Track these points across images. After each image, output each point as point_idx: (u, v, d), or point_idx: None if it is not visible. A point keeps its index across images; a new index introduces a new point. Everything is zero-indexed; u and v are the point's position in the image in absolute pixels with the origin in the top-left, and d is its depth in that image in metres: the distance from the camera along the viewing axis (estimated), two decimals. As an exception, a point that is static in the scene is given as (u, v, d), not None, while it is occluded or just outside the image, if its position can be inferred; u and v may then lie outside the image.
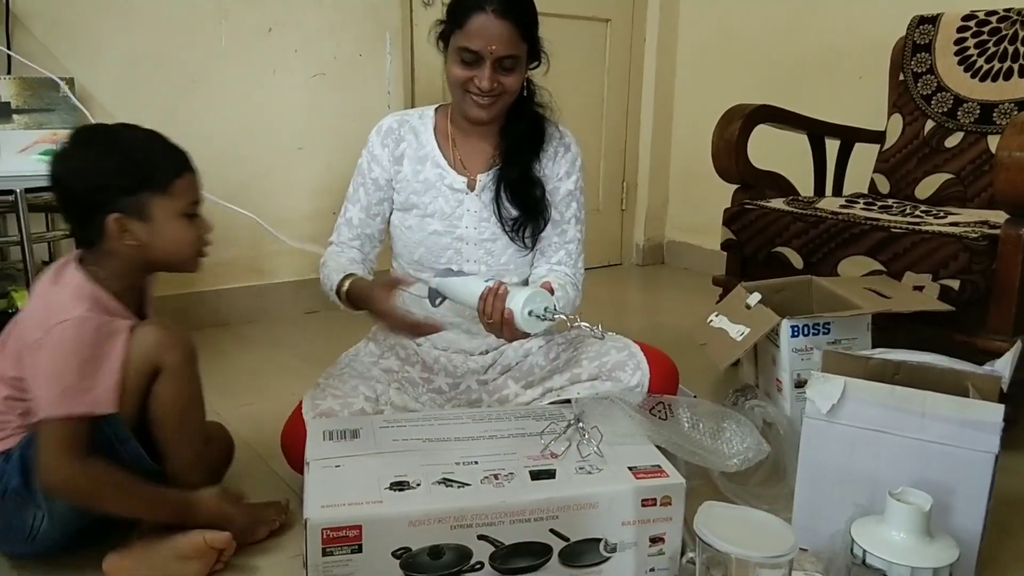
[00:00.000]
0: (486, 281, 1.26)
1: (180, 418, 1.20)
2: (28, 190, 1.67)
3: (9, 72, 1.97)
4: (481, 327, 1.29)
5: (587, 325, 1.21)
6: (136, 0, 2.17)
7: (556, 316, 1.22)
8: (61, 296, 1.13)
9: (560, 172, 1.53)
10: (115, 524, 1.19)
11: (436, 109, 1.54)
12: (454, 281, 1.30)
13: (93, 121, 2.10)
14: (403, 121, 1.52)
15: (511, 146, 1.49)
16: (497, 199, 1.48)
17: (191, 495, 1.20)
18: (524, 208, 1.48)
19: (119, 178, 1.13)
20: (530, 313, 1.20)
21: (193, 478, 1.22)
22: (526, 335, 1.27)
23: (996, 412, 1.08)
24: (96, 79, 2.10)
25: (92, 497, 1.12)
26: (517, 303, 1.20)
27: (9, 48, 1.96)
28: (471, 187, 1.49)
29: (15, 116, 1.89)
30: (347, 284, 1.40)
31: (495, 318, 1.22)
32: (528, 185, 1.49)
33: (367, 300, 1.35)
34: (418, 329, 1.31)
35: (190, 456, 1.22)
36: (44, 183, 1.70)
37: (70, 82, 1.95)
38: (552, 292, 1.26)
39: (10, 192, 1.64)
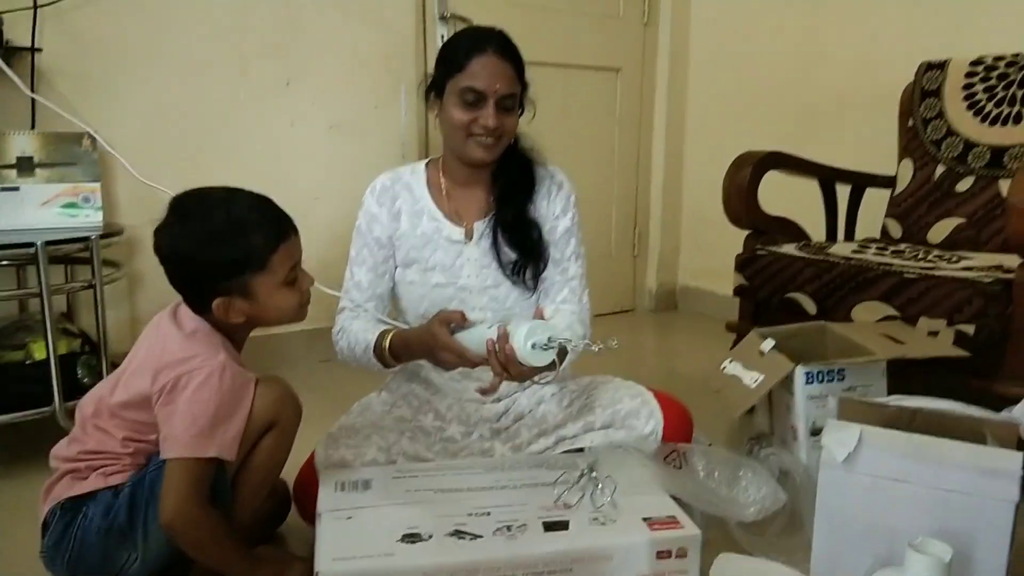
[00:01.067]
0: (490, 327, 1.23)
1: (268, 473, 1.24)
2: (48, 242, 1.69)
3: (33, 127, 2.02)
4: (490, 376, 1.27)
5: (589, 343, 1.19)
6: (156, 55, 2.23)
7: (560, 342, 1.18)
8: (194, 342, 1.16)
9: (556, 211, 1.54)
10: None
11: (427, 163, 1.56)
12: (469, 333, 1.28)
13: (115, 175, 2.15)
14: (396, 178, 1.53)
15: (504, 190, 1.50)
16: (495, 244, 1.49)
17: (260, 560, 1.22)
18: (522, 250, 1.49)
19: (216, 262, 1.15)
20: (533, 346, 1.17)
21: (243, 530, 1.24)
22: (536, 371, 1.22)
23: (1015, 460, 1.06)
24: (117, 133, 2.15)
25: (199, 544, 1.14)
26: (518, 338, 1.17)
27: (33, 104, 2.02)
28: (468, 236, 1.50)
29: (38, 170, 1.93)
30: (389, 336, 1.39)
31: (502, 360, 1.20)
32: (524, 227, 1.50)
33: (421, 342, 1.32)
34: (476, 361, 1.27)
35: (255, 508, 1.25)
36: (64, 236, 1.76)
37: (92, 136, 2.00)
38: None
39: (31, 244, 1.67)
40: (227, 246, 1.14)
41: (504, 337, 1.19)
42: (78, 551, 1.14)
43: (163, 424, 1.13)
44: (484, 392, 1.28)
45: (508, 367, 1.20)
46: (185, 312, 1.20)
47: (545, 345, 1.17)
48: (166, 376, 1.13)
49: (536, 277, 1.52)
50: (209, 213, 1.16)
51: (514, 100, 1.42)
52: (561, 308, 1.52)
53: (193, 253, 1.15)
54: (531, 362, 1.18)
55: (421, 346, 1.34)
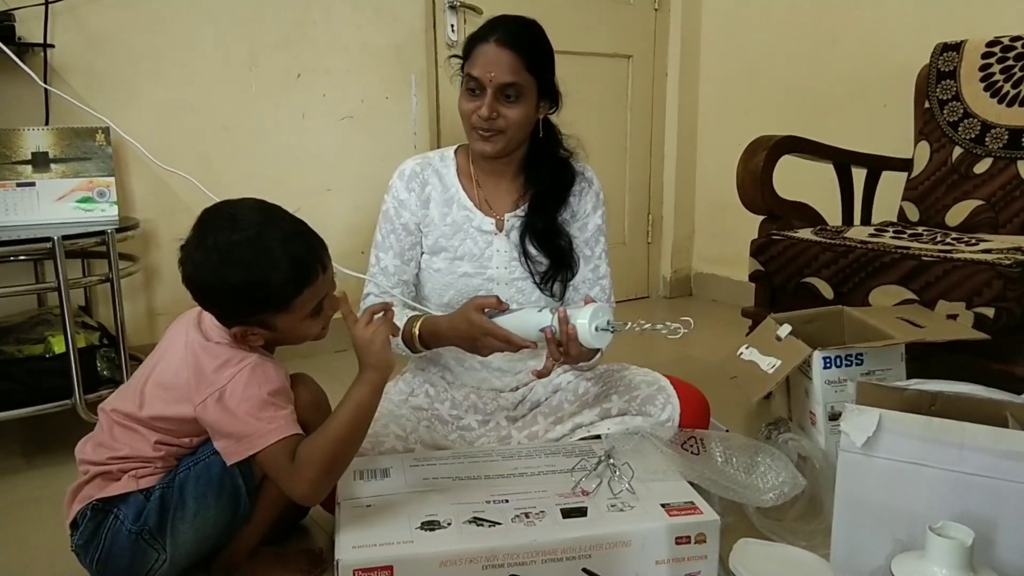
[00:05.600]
0: (539, 311, 1.27)
1: None
2: (65, 237, 1.70)
3: (47, 123, 2.03)
4: (514, 364, 1.31)
5: (663, 325, 1.24)
6: (168, 50, 2.24)
7: (624, 326, 1.25)
8: (224, 347, 1.15)
9: (587, 208, 1.54)
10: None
11: (456, 150, 1.55)
12: (510, 318, 1.30)
13: (129, 169, 2.16)
14: (425, 164, 1.52)
15: (537, 196, 1.50)
16: (523, 247, 1.48)
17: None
18: (552, 258, 1.49)
19: (237, 299, 1.11)
20: (596, 328, 1.23)
21: (266, 525, 1.24)
22: (593, 354, 1.30)
23: (1037, 442, 1.05)
24: (130, 127, 2.15)
25: (335, 471, 1.14)
26: (584, 321, 1.22)
27: (47, 100, 2.03)
28: (499, 228, 1.50)
29: (53, 165, 1.94)
30: (418, 324, 1.40)
31: (564, 341, 1.25)
32: (554, 236, 1.49)
33: (455, 329, 1.33)
34: (522, 345, 1.29)
35: (279, 511, 1.25)
36: (80, 230, 1.77)
37: (105, 131, 2.00)
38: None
39: (48, 239, 1.68)
40: (248, 287, 1.09)
41: (564, 320, 1.23)
42: (108, 552, 1.14)
43: (227, 429, 1.11)
44: (540, 375, 1.36)
45: (569, 348, 1.25)
46: (209, 320, 1.18)
47: (606, 328, 1.24)
48: (206, 390, 1.11)
49: (564, 284, 1.52)
50: (232, 247, 1.08)
51: (516, 90, 1.39)
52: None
53: (213, 286, 1.10)
54: (592, 344, 1.24)
55: (455, 333, 1.34)
